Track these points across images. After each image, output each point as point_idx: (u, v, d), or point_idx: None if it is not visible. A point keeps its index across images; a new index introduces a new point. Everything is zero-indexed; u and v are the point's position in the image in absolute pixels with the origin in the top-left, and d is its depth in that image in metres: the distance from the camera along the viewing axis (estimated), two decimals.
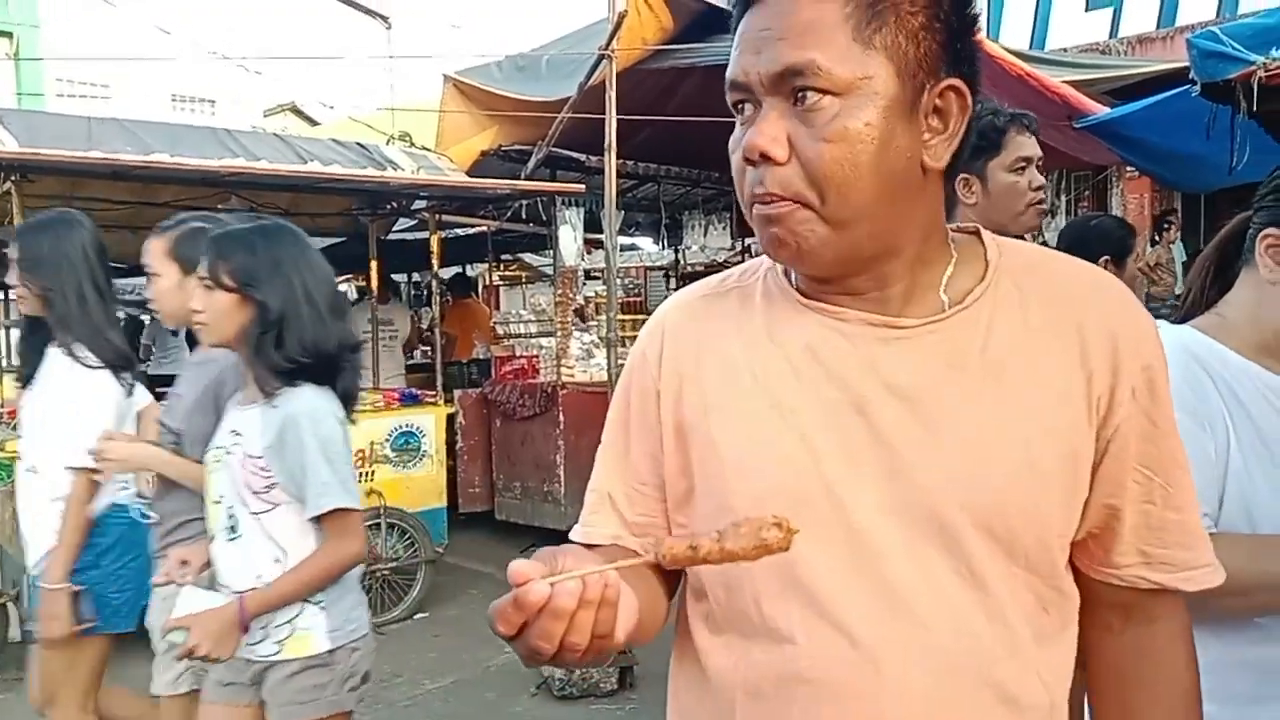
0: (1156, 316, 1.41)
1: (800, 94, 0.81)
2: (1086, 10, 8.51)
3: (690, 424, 0.93)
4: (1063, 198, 13.06)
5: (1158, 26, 8.05)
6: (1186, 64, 3.54)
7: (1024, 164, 2.23)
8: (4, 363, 5.44)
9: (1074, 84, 4.41)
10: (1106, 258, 2.78)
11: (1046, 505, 0.86)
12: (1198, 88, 3.40)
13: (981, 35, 0.95)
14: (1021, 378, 0.86)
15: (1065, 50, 7.81)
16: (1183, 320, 1.36)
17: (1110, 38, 8.29)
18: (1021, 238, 2.38)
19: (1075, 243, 2.88)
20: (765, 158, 0.82)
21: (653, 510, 0.98)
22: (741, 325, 0.94)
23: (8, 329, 5.66)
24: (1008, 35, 8.44)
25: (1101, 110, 4.40)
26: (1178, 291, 5.39)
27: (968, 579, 0.85)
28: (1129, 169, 8.50)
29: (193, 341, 2.80)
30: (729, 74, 0.86)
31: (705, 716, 0.95)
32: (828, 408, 0.87)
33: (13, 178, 4.20)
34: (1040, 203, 2.27)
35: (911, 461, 0.85)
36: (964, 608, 0.85)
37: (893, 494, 0.85)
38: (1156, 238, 10.42)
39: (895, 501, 0.85)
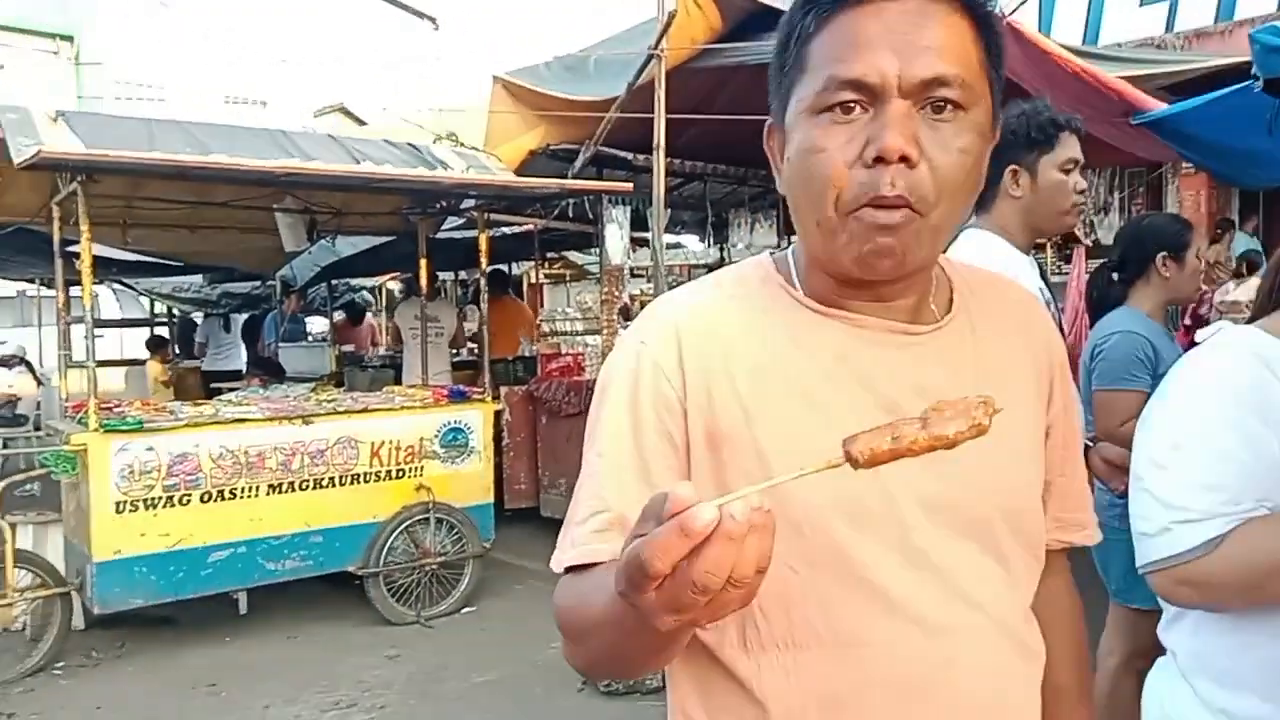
0: (1206, 318, 1.39)
1: (939, 103, 0.85)
2: (1141, 5, 8.32)
3: (727, 432, 0.90)
4: (1116, 195, 12.78)
5: (1215, 20, 7.85)
6: (1246, 58, 3.47)
7: (1073, 165, 2.24)
8: (70, 358, 5.58)
9: (1130, 79, 4.34)
10: (1164, 254, 2.73)
11: (1040, 494, 1.00)
12: (1260, 83, 3.33)
13: (1034, 30, 0.99)
14: (1007, 383, 0.96)
15: (1120, 45, 7.65)
16: (1251, 320, 1.35)
17: (1166, 32, 8.10)
18: (1055, 239, 2.36)
19: (1131, 242, 2.83)
20: (903, 159, 0.83)
21: None
22: (764, 333, 0.94)
23: (70, 325, 5.81)
24: (1060, 31, 8.28)
25: (1159, 106, 4.32)
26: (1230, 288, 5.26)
27: (1000, 563, 0.94)
28: (1185, 165, 8.32)
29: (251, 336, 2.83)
30: (843, 72, 0.84)
31: None
32: (862, 410, 0.89)
33: (79, 178, 4.32)
34: (1083, 206, 2.30)
35: (946, 460, 0.87)
36: (1001, 588, 0.94)
37: (932, 492, 0.90)
38: (1217, 236, 10.18)
39: (935, 499, 0.90)
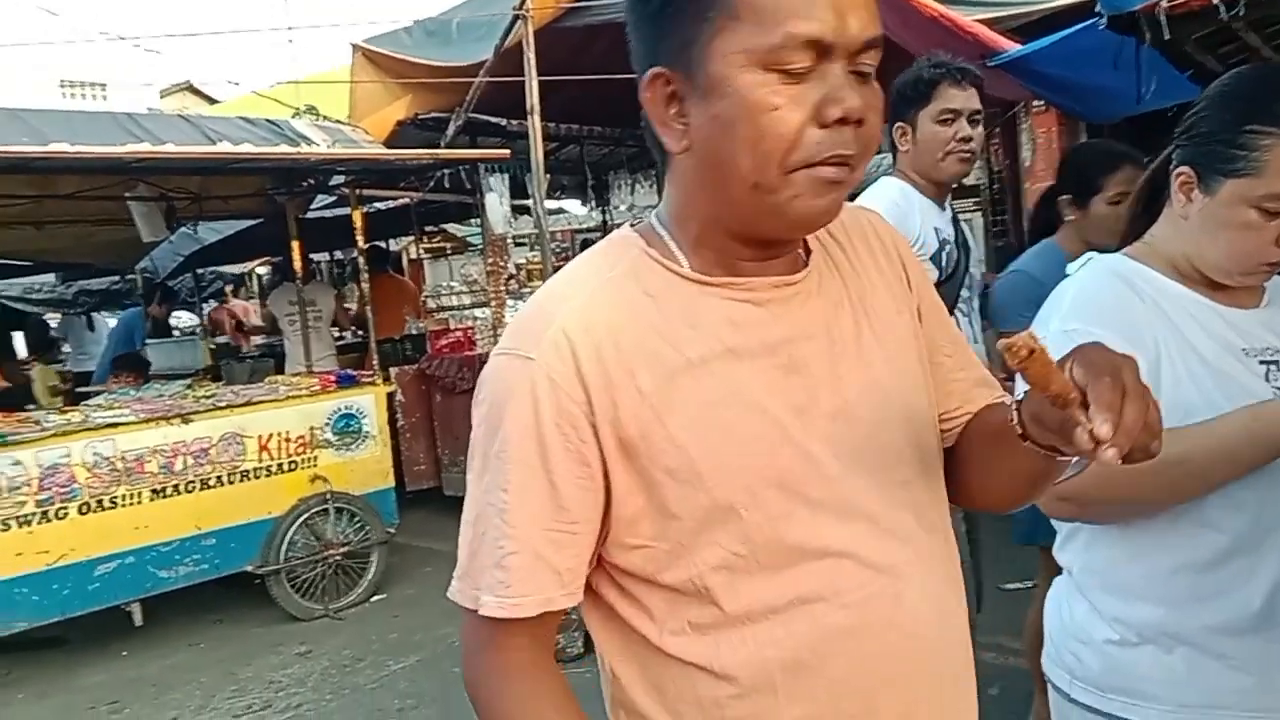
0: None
1: (866, 66, 0.85)
2: None
3: (640, 435, 0.87)
4: None
5: None
6: None
7: (950, 115, 2.36)
8: None
9: (985, 22, 4.48)
10: (1067, 197, 2.63)
11: (930, 405, 1.01)
12: (1104, 20, 3.48)
13: None
14: (878, 305, 0.99)
15: None
16: (1118, 249, 1.42)
17: None
18: (949, 184, 2.48)
19: (1058, 173, 2.78)
20: (859, 121, 0.84)
21: (582, 552, 0.91)
22: (654, 318, 0.90)
23: None
24: None
25: (1012, 47, 4.47)
26: None
27: (918, 490, 0.96)
28: (1036, 104, 8.67)
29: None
30: (803, 30, 0.80)
31: (739, 710, 0.91)
32: (766, 374, 0.90)
33: None
34: (964, 153, 2.40)
35: (848, 401, 0.94)
36: (923, 515, 0.96)
37: (839, 436, 0.92)
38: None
39: (843, 443, 0.92)
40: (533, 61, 4.85)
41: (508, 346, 0.92)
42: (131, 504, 4.41)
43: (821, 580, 0.90)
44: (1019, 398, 0.87)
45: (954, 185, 2.51)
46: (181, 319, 11.22)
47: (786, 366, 0.91)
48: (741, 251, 0.93)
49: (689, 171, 0.92)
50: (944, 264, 2.43)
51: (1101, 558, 1.34)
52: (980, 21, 4.37)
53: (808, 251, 0.99)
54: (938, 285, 2.39)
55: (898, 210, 2.30)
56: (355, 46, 6.28)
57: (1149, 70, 3.63)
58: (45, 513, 4.18)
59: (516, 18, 4.91)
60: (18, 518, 4.11)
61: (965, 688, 0.99)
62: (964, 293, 2.52)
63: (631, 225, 1.00)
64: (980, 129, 2.42)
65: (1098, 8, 3.51)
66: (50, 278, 9.89)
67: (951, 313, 2.39)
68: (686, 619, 0.91)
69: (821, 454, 0.91)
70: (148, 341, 9.40)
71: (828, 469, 0.91)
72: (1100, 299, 1.32)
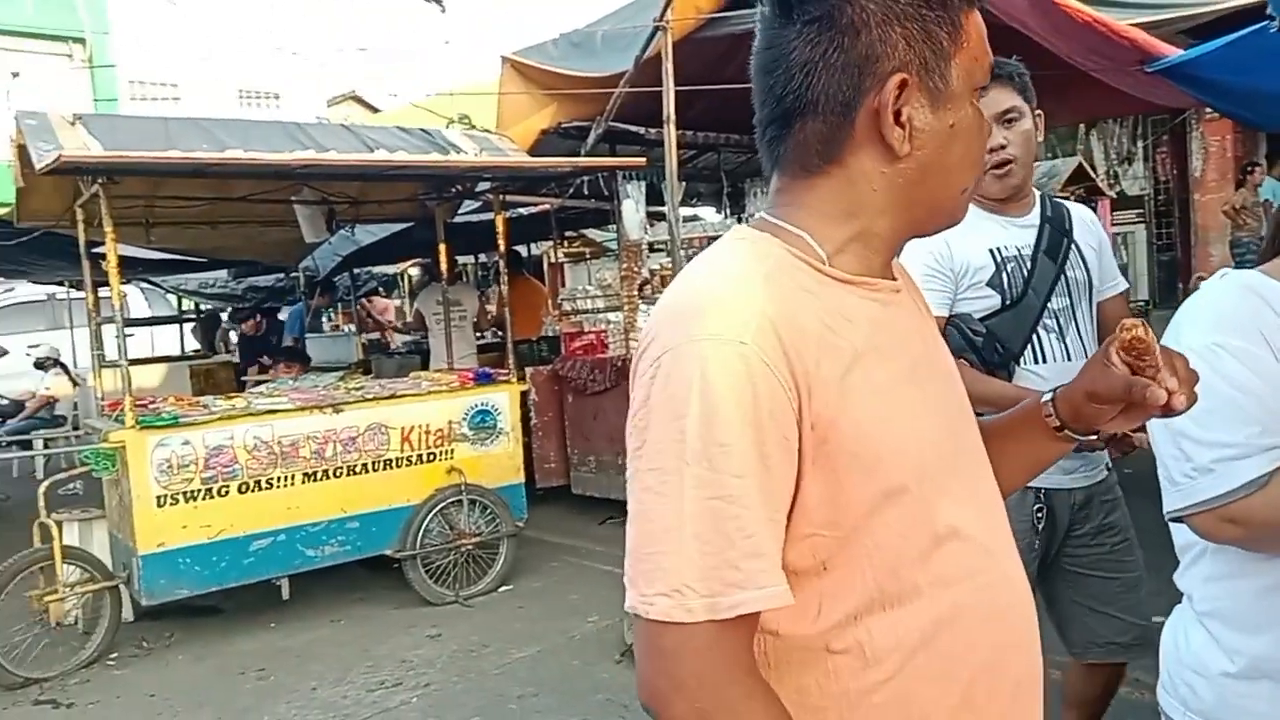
0: (1243, 260, 1.39)
1: None
2: None
3: (829, 419, 0.88)
4: (1140, 143, 12.56)
5: None
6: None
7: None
8: (103, 357, 5.69)
9: (1144, 26, 4.27)
10: None
11: None
12: (1276, 23, 3.27)
13: None
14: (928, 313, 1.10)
15: None
16: (1257, 265, 1.36)
17: None
18: (1003, 197, 2.28)
19: None
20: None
21: (782, 538, 0.89)
22: (817, 311, 0.92)
23: (100, 325, 5.93)
24: None
25: (1174, 52, 4.25)
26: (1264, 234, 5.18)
27: (993, 486, 1.04)
28: (1208, 111, 8.15)
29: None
30: (989, 63, 0.98)
31: (884, 695, 0.92)
32: (902, 369, 0.96)
33: (99, 180, 4.40)
34: (1000, 165, 2.22)
35: (945, 397, 1.02)
36: (1002, 514, 1.04)
37: (952, 428, 1.00)
38: (1242, 180, 9.96)
39: (955, 434, 1.00)
40: (670, 72, 4.93)
41: (704, 333, 0.86)
42: (285, 485, 4.73)
43: (958, 563, 0.95)
44: (1047, 397, 1.06)
45: (1015, 196, 2.30)
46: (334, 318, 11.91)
47: (910, 366, 0.98)
48: (885, 254, 0.99)
49: (892, 174, 0.94)
50: (1005, 285, 2.27)
51: (1225, 588, 1.28)
52: (1137, 26, 4.16)
53: None
54: (1002, 310, 2.26)
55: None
56: (505, 59, 6.52)
57: None
58: (209, 490, 4.54)
59: (657, 29, 5.00)
60: (185, 493, 4.48)
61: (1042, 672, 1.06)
62: (1055, 302, 2.30)
63: (756, 230, 1.00)
64: (1023, 124, 2.21)
65: (1269, 10, 3.31)
66: (223, 274, 10.67)
67: (1033, 331, 2.27)
68: (845, 609, 0.91)
69: (947, 445, 0.98)
70: (307, 336, 10.03)
71: (956, 457, 0.98)
72: (1237, 313, 1.26)
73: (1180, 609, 1.38)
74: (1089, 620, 2.39)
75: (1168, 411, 0.94)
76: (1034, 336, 2.28)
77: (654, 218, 7.03)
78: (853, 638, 0.91)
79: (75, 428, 7.78)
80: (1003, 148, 2.19)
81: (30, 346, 9.77)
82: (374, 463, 4.98)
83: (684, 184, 7.26)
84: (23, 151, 4.77)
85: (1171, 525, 1.32)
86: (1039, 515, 2.29)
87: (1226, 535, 1.24)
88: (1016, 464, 1.12)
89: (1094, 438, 1.07)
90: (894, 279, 1.01)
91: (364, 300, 11.33)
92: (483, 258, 12.16)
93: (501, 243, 5.84)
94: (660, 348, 0.89)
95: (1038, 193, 2.39)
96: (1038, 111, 2.27)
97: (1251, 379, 1.19)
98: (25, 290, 11.32)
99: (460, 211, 7.35)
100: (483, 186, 6.14)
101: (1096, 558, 2.37)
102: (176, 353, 10.97)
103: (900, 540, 0.92)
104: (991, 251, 2.28)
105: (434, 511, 5.06)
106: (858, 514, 0.90)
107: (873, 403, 0.91)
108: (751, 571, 0.84)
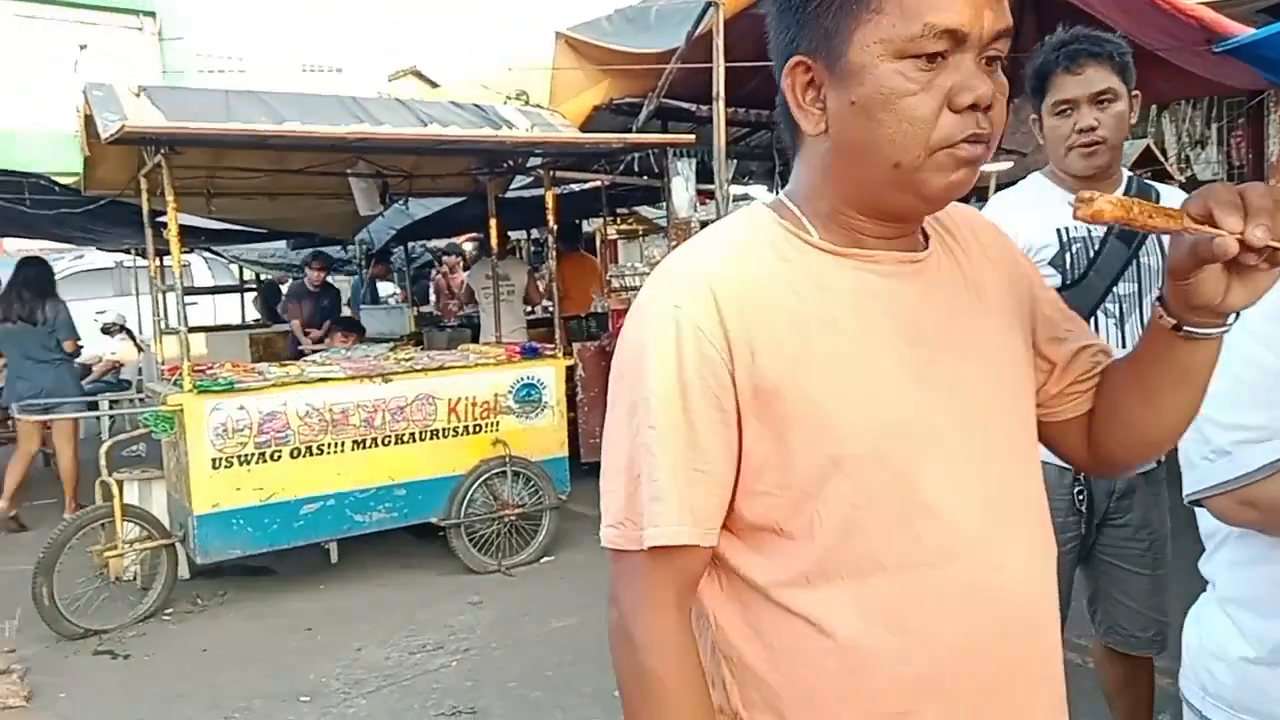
0: None
1: (995, 54, 0.91)
2: None
3: (774, 383, 0.92)
4: (1213, 126, 12.10)
5: None
6: None
7: (1065, 106, 2.20)
8: (165, 324, 5.86)
9: (1211, 4, 4.13)
10: None
11: (1031, 391, 1.06)
12: None
13: None
14: (989, 290, 1.04)
15: None
16: None
17: None
18: (1087, 176, 2.23)
19: None
20: (987, 106, 0.89)
21: (713, 493, 0.95)
22: (788, 279, 0.95)
23: (164, 294, 6.10)
24: None
25: (1244, 31, 4.10)
26: None
27: (1019, 459, 1.01)
28: None
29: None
30: (941, 21, 0.86)
31: (836, 663, 0.94)
32: (890, 342, 0.95)
33: (162, 150, 4.52)
34: (1085, 146, 2.18)
35: (962, 377, 0.97)
36: (1023, 492, 1.01)
37: (954, 407, 0.97)
38: None
39: (957, 414, 0.97)
40: (720, 49, 4.90)
41: (651, 297, 0.96)
42: (335, 452, 4.85)
43: (929, 542, 0.93)
44: (1156, 297, 0.94)
45: (1099, 175, 2.23)
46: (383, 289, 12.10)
47: (909, 338, 0.96)
48: (869, 228, 0.98)
49: (823, 153, 0.97)
50: (1068, 265, 2.24)
51: (1248, 573, 1.27)
52: (1206, 4, 4.03)
53: (925, 236, 1.03)
54: (1061, 290, 2.17)
55: (1000, 203, 2.36)
56: (559, 34, 6.53)
57: None
58: (262, 454, 4.67)
59: (709, 5, 4.97)
60: (239, 456, 4.61)
61: (1056, 667, 1.01)
62: (1121, 287, 2.26)
63: (761, 204, 1.06)
64: (1118, 105, 2.15)
65: None
66: (281, 245, 10.89)
67: (1092, 315, 2.23)
68: (799, 569, 0.95)
69: (939, 422, 0.95)
70: (362, 307, 10.20)
71: (943, 436, 0.95)
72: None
73: (1204, 596, 1.37)
74: (1114, 610, 2.40)
75: (1249, 252, 0.80)
76: (1092, 320, 2.24)
77: (704, 195, 7.01)
78: (807, 600, 0.94)
79: (139, 391, 8.04)
80: (1093, 129, 2.16)
81: (98, 312, 10.08)
82: (421, 432, 5.07)
83: (735, 162, 7.22)
84: (90, 122, 4.93)
85: (1196, 512, 1.31)
86: (1080, 497, 2.28)
87: (1245, 519, 1.23)
88: (1168, 387, 1.00)
89: (1226, 326, 0.92)
90: (911, 251, 1.00)
91: (444, 272, 11.42)
92: (535, 233, 12.23)
93: (551, 218, 5.87)
94: (630, 310, 1.00)
95: (1127, 173, 2.34)
96: (1134, 93, 2.22)
97: (1275, 362, 1.17)
98: (94, 258, 11.67)
99: (513, 187, 7.40)
100: (533, 162, 6.17)
101: (1131, 553, 2.35)
102: (238, 321, 11.25)
103: (853, 510, 0.92)
104: (1059, 231, 2.26)
105: (479, 482, 5.15)
106: (807, 478, 0.93)
107: (831, 369, 0.93)
108: (653, 513, 0.94)
